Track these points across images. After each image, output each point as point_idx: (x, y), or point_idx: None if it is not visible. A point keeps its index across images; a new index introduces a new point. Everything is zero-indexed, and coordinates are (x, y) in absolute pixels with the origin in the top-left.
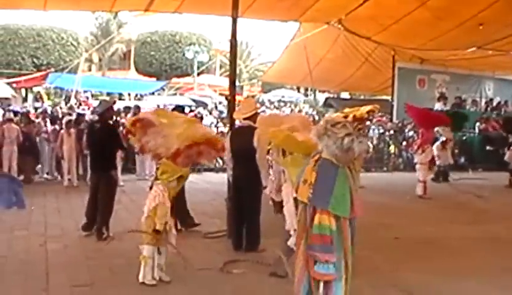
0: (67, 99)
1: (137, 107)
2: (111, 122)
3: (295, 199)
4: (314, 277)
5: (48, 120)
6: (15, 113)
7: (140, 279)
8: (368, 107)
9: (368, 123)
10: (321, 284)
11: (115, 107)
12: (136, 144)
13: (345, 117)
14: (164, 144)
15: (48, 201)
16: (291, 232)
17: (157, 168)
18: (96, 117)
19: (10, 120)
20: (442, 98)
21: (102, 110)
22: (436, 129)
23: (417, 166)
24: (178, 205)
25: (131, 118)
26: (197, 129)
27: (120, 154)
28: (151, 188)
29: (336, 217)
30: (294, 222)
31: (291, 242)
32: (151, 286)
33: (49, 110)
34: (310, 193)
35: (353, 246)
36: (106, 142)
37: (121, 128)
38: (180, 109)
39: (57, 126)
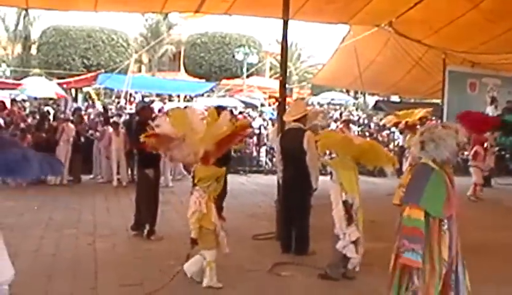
0: (117, 100)
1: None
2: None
3: (344, 202)
4: (402, 264)
5: (100, 119)
6: (76, 110)
7: (206, 284)
8: (421, 113)
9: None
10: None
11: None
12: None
13: (398, 123)
14: (190, 152)
15: (97, 201)
16: (341, 236)
17: (193, 176)
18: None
19: (68, 120)
20: (494, 101)
21: (138, 109)
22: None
23: (471, 170)
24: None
25: (145, 134)
26: (218, 127)
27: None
28: (192, 193)
29: (426, 215)
30: (343, 226)
31: (339, 245)
32: (207, 288)
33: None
34: (402, 192)
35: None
36: (139, 140)
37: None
38: (221, 109)
39: (109, 127)
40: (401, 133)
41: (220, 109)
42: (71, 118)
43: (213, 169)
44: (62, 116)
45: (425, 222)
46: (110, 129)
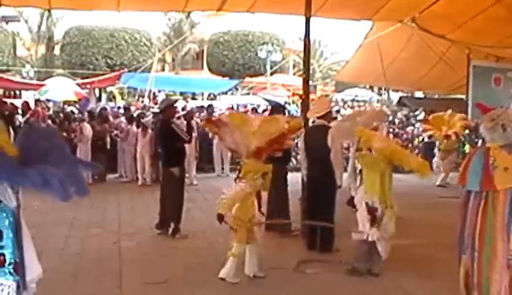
0: (141, 99)
1: (211, 106)
2: (172, 120)
3: (367, 204)
4: None
5: (123, 119)
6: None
7: (222, 275)
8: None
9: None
10: None
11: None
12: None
13: (448, 135)
14: (241, 141)
15: (122, 200)
16: (364, 236)
17: (239, 170)
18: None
19: (84, 120)
20: None
21: (162, 108)
22: None
23: None
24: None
25: (205, 118)
26: (271, 125)
27: (193, 153)
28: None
29: None
30: (366, 227)
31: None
32: (230, 284)
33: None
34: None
35: None
36: (164, 139)
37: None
38: (278, 106)
39: (133, 126)
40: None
41: (278, 106)
42: (87, 118)
43: (261, 165)
44: (80, 116)
45: None
46: (134, 128)
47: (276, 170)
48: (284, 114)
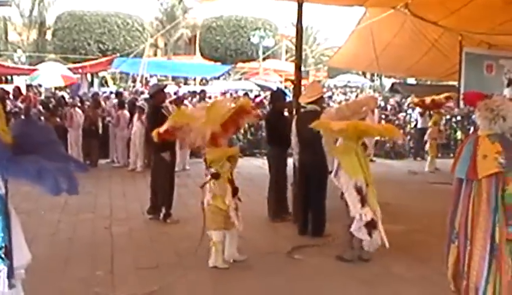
0: (133, 84)
1: (203, 92)
2: (162, 105)
3: (354, 185)
4: (509, 239)
5: (114, 104)
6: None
7: (212, 264)
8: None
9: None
10: None
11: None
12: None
13: (423, 100)
14: (197, 136)
15: (113, 185)
16: (357, 217)
17: (205, 159)
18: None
19: (75, 106)
20: (511, 83)
21: (152, 93)
22: None
23: None
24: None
25: (155, 134)
26: (219, 109)
27: None
28: (206, 175)
29: None
30: (358, 208)
31: (354, 228)
32: (223, 269)
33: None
34: (503, 159)
35: None
36: (155, 124)
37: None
38: (278, 92)
39: (124, 111)
40: (421, 115)
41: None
42: (78, 104)
43: (222, 150)
44: (70, 101)
45: None
46: (126, 113)
47: (276, 155)
48: (284, 99)
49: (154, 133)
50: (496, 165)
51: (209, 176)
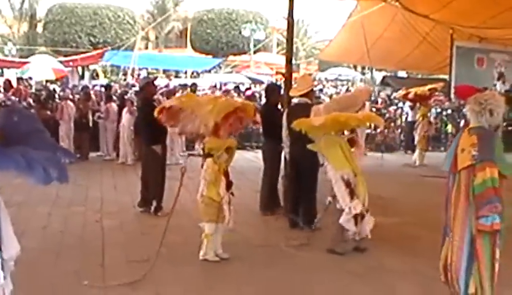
0: (124, 77)
1: (194, 85)
2: (152, 98)
3: (342, 178)
4: (480, 230)
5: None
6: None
7: (202, 257)
8: (430, 86)
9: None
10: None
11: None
12: (175, 129)
13: (407, 94)
14: (201, 123)
15: (104, 178)
16: (346, 210)
17: (203, 148)
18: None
19: (68, 98)
20: (501, 77)
21: (142, 86)
22: None
23: None
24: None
25: (158, 108)
26: (225, 102)
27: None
28: (202, 166)
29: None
30: (347, 201)
31: (343, 220)
32: (213, 262)
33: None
34: (476, 151)
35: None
36: (146, 116)
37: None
38: (273, 86)
39: (113, 104)
40: (411, 108)
41: (273, 86)
42: (70, 96)
43: (222, 141)
44: (62, 94)
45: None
46: (114, 105)
47: (271, 148)
48: (279, 93)
49: (158, 109)
50: (469, 158)
51: (203, 164)
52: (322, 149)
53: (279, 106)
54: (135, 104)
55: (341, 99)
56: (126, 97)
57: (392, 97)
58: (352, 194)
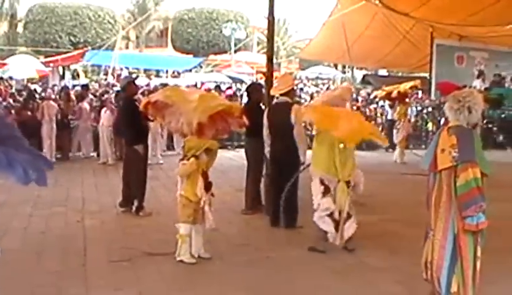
0: (105, 76)
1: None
2: (134, 97)
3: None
4: (467, 230)
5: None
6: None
7: (178, 258)
8: (411, 83)
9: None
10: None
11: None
12: (158, 129)
13: (390, 92)
14: (185, 121)
15: (85, 178)
16: (315, 206)
17: (183, 146)
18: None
19: (50, 98)
20: (481, 75)
21: (123, 85)
22: None
23: None
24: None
25: (143, 101)
26: (211, 100)
27: (159, 131)
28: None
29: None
30: (318, 197)
31: (315, 217)
32: (195, 261)
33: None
34: (456, 152)
35: None
36: (128, 116)
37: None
38: (255, 85)
39: (85, 103)
40: (390, 107)
41: (255, 85)
42: (52, 96)
43: (204, 141)
44: (43, 94)
45: None
46: (86, 105)
47: (254, 147)
48: (261, 91)
49: (143, 103)
50: (450, 159)
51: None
52: (316, 144)
53: (261, 105)
54: (111, 104)
55: (327, 99)
56: (105, 96)
57: (372, 96)
58: (325, 192)
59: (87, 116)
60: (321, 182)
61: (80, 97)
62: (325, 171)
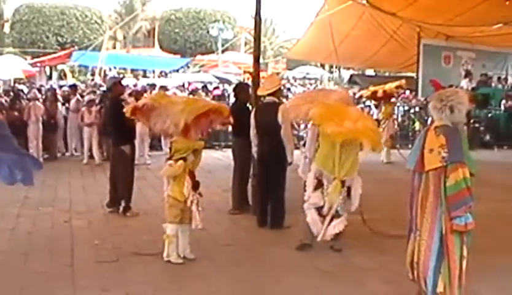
0: (92, 77)
1: (164, 88)
2: (120, 97)
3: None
4: (456, 230)
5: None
6: (49, 89)
7: (165, 258)
8: (396, 83)
9: (393, 100)
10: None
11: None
12: (146, 129)
13: (375, 92)
14: (171, 122)
15: (72, 178)
16: (305, 198)
17: (170, 148)
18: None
19: (36, 99)
20: (468, 74)
21: (109, 86)
22: None
23: None
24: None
25: (129, 107)
26: (198, 102)
27: (146, 132)
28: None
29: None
30: (309, 190)
31: (305, 206)
32: (177, 264)
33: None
34: (445, 153)
35: None
36: (114, 117)
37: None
38: (242, 85)
39: (37, 103)
40: (376, 106)
41: (242, 85)
42: (38, 96)
43: (191, 142)
44: (30, 95)
45: None
46: (39, 104)
47: (241, 147)
48: (248, 91)
49: (129, 108)
50: (439, 159)
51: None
52: (321, 139)
53: (248, 105)
54: (93, 105)
55: (312, 99)
56: (87, 97)
57: (357, 96)
58: (317, 187)
59: (35, 118)
60: (316, 175)
61: (53, 98)
62: (322, 166)
